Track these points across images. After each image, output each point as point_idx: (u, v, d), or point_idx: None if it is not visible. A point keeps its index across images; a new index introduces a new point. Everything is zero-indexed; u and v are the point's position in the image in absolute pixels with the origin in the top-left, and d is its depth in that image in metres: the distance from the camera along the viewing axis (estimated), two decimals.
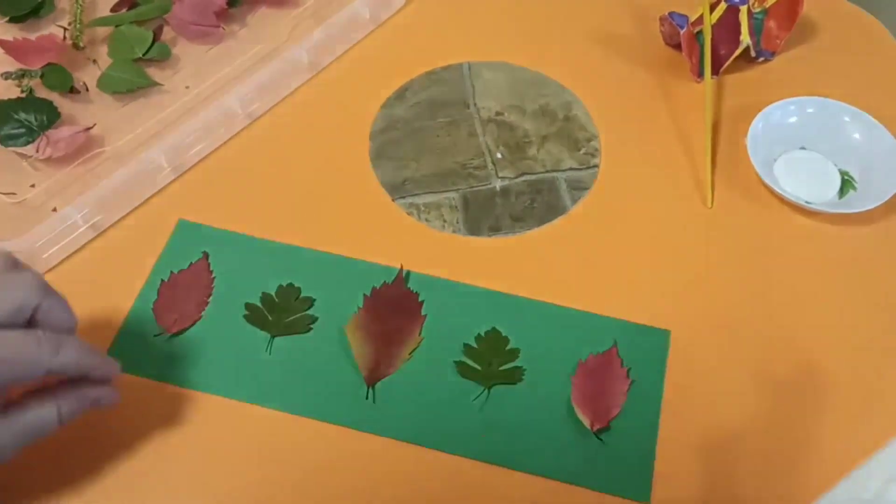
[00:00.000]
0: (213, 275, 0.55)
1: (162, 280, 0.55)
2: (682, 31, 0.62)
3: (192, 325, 0.53)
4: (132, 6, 0.69)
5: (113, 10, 0.69)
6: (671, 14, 0.64)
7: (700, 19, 0.65)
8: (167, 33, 0.68)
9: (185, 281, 0.55)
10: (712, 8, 0.65)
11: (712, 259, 0.57)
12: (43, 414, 0.41)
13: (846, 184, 0.60)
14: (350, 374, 0.51)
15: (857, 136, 0.61)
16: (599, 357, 0.52)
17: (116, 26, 0.66)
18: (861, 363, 0.52)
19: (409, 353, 0.52)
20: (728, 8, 0.64)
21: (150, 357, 0.51)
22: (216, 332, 0.53)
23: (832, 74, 0.67)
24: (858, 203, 0.58)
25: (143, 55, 0.65)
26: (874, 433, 0.49)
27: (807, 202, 0.58)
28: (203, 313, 0.53)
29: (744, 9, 0.64)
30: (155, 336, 0.52)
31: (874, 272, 0.56)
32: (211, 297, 0.54)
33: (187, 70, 0.66)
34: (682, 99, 0.65)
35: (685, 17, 0.63)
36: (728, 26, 0.64)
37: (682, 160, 0.62)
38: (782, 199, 0.58)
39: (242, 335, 0.53)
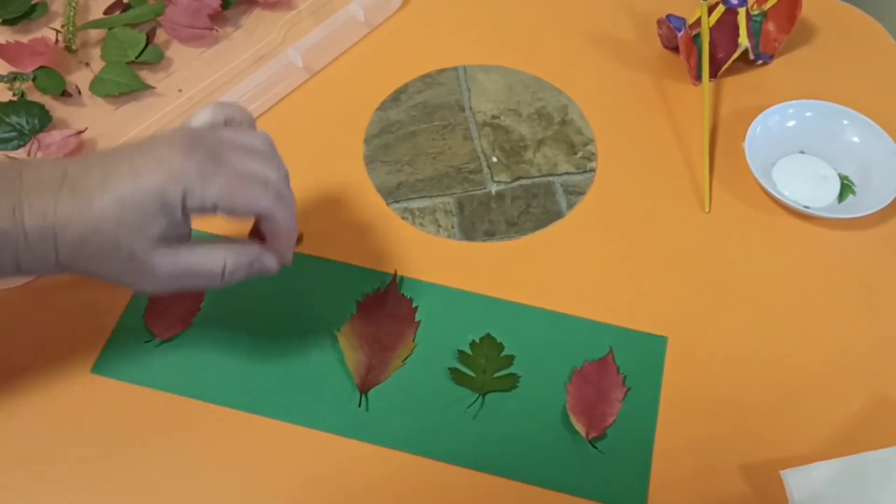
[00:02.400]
0: None
1: None
2: (679, 35, 0.62)
3: (183, 331, 0.52)
4: (125, 9, 0.68)
5: (106, 12, 0.68)
6: (669, 17, 0.63)
7: (698, 22, 0.65)
8: (160, 36, 0.67)
9: None
10: (710, 10, 0.64)
11: (710, 264, 0.56)
12: (210, 261, 0.42)
13: (845, 188, 0.59)
14: (343, 382, 0.50)
15: (856, 139, 0.60)
16: (595, 364, 0.51)
17: (109, 29, 0.66)
18: (862, 369, 0.52)
19: (403, 360, 0.51)
20: (726, 10, 0.63)
21: (139, 364, 0.51)
22: (207, 338, 0.52)
23: (831, 77, 0.66)
24: (858, 207, 0.57)
25: (136, 58, 0.65)
26: (876, 440, 0.48)
27: (805, 207, 0.57)
28: (195, 319, 0.53)
29: (742, 11, 0.63)
30: (145, 342, 0.52)
31: (874, 277, 0.56)
32: (203, 304, 0.54)
33: (180, 73, 0.66)
34: (679, 102, 0.65)
35: (682, 19, 0.63)
36: (726, 29, 0.64)
37: (679, 164, 0.61)
38: (781, 204, 0.58)
39: (235, 341, 0.52)
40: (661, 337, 0.53)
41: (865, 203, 0.57)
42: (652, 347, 0.52)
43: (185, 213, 0.40)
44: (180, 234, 0.41)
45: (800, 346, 0.52)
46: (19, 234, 0.39)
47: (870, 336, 0.53)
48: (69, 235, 0.39)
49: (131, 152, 0.40)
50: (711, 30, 0.64)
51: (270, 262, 0.45)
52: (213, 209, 0.40)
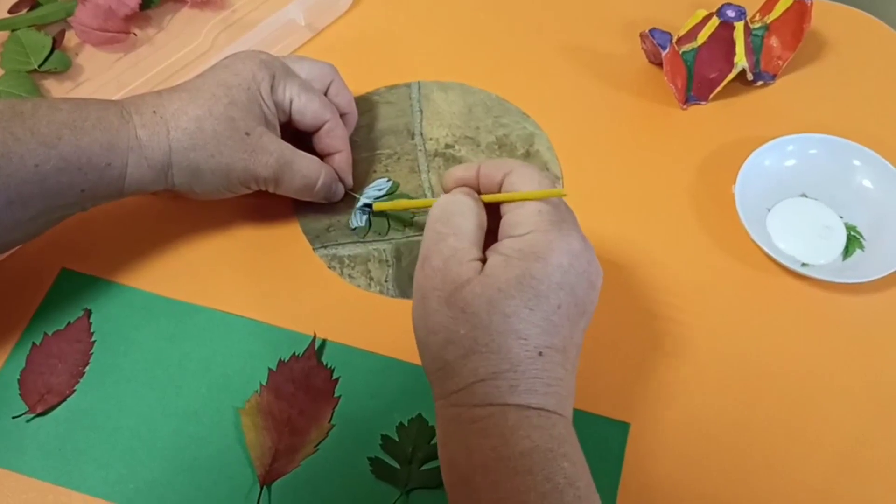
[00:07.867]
0: (94, 338, 0.47)
1: (34, 344, 0.46)
2: (664, 53, 0.53)
3: (61, 402, 0.45)
4: (34, 6, 0.60)
5: (11, 10, 0.60)
6: (652, 31, 0.54)
7: (686, 37, 0.56)
8: (71, 39, 0.59)
9: (60, 345, 0.47)
10: (703, 23, 0.55)
11: (685, 332, 0.48)
12: (309, 170, 0.47)
13: (853, 241, 0.50)
14: (242, 472, 0.43)
15: (868, 183, 0.51)
16: None
17: (12, 31, 0.58)
18: (860, 473, 0.43)
19: (316, 446, 0.44)
20: (721, 24, 0.54)
21: (7, 443, 0.43)
22: (88, 411, 0.44)
23: (844, 104, 0.57)
24: (865, 267, 0.48)
25: (40, 66, 0.56)
26: None
27: (803, 265, 0.49)
28: (76, 387, 0.45)
29: (740, 26, 0.54)
30: (14, 418, 0.44)
31: (884, 355, 0.47)
32: (88, 367, 0.46)
33: (92, 83, 0.57)
34: (665, 130, 0.56)
35: (668, 34, 0.53)
36: (720, 45, 0.54)
37: (660, 211, 0.52)
38: (775, 261, 0.49)
39: (120, 417, 0.44)
40: (623, 423, 0.45)
41: (875, 261, 0.48)
42: (611, 434, 0.44)
43: (273, 99, 0.46)
44: (273, 126, 0.46)
45: (789, 442, 0.44)
46: (130, 131, 0.42)
47: (876, 434, 0.44)
48: (183, 123, 0.43)
49: (213, 68, 0.46)
50: (703, 46, 0.55)
51: (340, 187, 0.50)
52: (290, 104, 0.47)
